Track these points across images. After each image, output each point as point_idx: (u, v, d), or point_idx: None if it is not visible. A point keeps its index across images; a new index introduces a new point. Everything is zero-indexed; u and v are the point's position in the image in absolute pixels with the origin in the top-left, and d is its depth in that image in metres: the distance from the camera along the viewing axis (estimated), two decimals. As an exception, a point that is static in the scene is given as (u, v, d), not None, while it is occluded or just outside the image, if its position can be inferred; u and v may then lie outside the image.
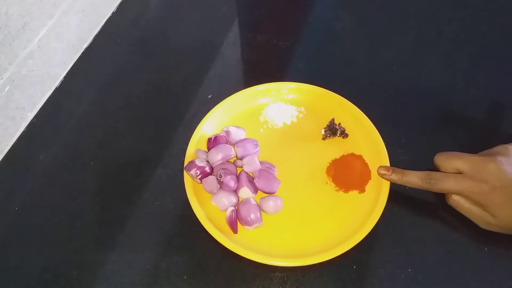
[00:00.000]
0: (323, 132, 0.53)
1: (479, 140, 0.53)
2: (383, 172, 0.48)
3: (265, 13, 0.70)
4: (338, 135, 0.52)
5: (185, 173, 0.49)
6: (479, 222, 0.45)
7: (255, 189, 0.47)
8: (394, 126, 0.54)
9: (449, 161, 0.46)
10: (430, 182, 0.45)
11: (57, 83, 0.62)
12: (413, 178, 0.46)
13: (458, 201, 0.45)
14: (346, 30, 0.66)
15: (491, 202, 0.43)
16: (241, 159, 0.49)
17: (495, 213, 0.43)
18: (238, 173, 0.49)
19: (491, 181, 0.42)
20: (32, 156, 0.55)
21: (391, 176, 0.47)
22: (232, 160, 0.50)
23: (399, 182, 0.47)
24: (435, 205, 0.48)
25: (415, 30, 0.65)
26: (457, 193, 0.45)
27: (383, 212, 0.45)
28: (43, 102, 0.60)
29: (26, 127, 0.58)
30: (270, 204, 0.46)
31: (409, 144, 0.52)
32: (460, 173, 0.45)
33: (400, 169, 0.47)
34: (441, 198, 0.48)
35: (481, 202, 0.43)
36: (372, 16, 0.68)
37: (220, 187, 0.47)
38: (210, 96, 0.59)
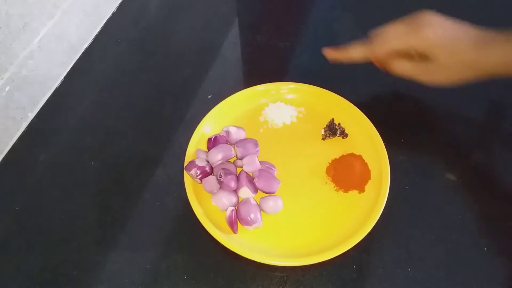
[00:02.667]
0: (322, 132, 0.53)
1: (479, 140, 0.53)
2: (330, 52, 0.51)
3: (265, 13, 0.70)
4: (337, 135, 0.52)
5: (185, 173, 0.49)
6: (425, 77, 0.48)
7: (255, 189, 0.48)
8: (394, 126, 0.54)
9: (384, 30, 0.49)
10: (375, 41, 0.48)
11: (57, 83, 0.62)
12: (358, 47, 0.50)
13: (402, 64, 0.49)
14: (346, 30, 0.66)
15: (432, 45, 0.45)
16: (241, 159, 0.49)
17: (438, 57, 0.45)
18: (238, 173, 0.49)
19: (425, 27, 0.45)
20: (33, 156, 0.55)
21: (338, 54, 0.51)
22: (232, 160, 0.50)
23: (347, 57, 0.51)
24: (435, 205, 0.48)
25: (415, 30, 0.65)
26: (402, 46, 0.47)
27: (382, 212, 0.45)
28: (44, 102, 0.60)
29: (26, 127, 0.58)
30: (270, 204, 0.46)
31: (408, 144, 0.53)
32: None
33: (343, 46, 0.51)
34: (440, 198, 0.48)
35: (425, 48, 0.46)
36: (372, 16, 0.68)
37: (220, 187, 0.47)
38: (210, 96, 0.59)
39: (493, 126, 0.55)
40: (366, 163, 0.50)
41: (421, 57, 0.47)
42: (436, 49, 0.46)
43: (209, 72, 0.62)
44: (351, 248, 0.43)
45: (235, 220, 0.45)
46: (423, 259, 0.44)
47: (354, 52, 0.50)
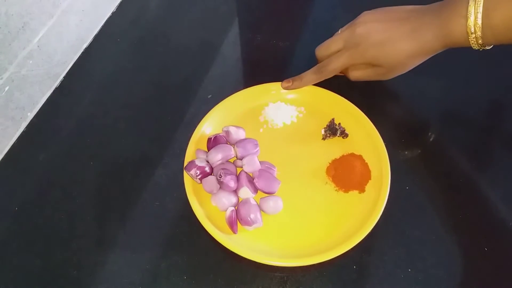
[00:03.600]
0: (323, 132, 0.52)
1: (479, 140, 0.53)
2: (287, 85, 0.55)
3: (265, 13, 0.70)
4: (338, 135, 0.52)
5: (185, 173, 0.49)
6: (380, 77, 0.53)
7: (255, 189, 0.47)
8: (394, 126, 0.54)
9: (327, 48, 0.54)
10: (322, 70, 0.53)
11: (57, 83, 0.62)
12: (310, 76, 0.54)
13: (355, 73, 0.53)
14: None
15: (372, 57, 0.50)
16: (241, 159, 0.49)
17: (380, 63, 0.50)
18: (238, 173, 0.49)
19: (361, 42, 0.50)
20: (32, 156, 0.55)
21: (294, 85, 0.54)
22: (232, 160, 0.50)
23: (302, 86, 0.55)
24: (435, 205, 0.48)
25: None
26: (346, 66, 0.52)
27: (383, 212, 0.45)
28: (43, 102, 0.60)
29: (26, 127, 0.57)
30: (270, 204, 0.46)
31: (409, 144, 0.52)
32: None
33: (297, 76, 0.55)
34: (441, 198, 0.48)
35: (367, 61, 0.51)
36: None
37: (220, 187, 0.47)
38: (210, 96, 0.58)
39: (493, 126, 0.54)
40: (367, 163, 0.50)
41: (369, 64, 0.52)
42: (378, 60, 0.50)
43: (209, 72, 0.62)
44: (352, 249, 0.43)
45: (235, 221, 0.45)
46: (424, 260, 0.44)
47: (307, 80, 0.54)
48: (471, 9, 0.43)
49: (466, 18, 0.43)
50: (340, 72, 0.54)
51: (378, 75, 0.53)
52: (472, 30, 0.43)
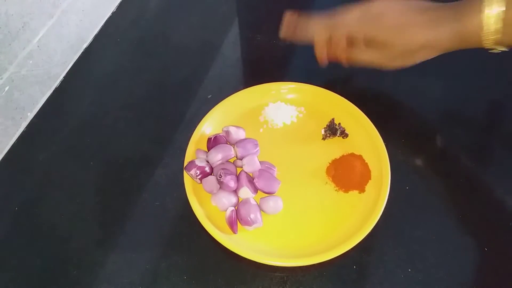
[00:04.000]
0: (323, 132, 0.53)
1: (479, 140, 0.53)
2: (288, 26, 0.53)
3: (265, 13, 0.70)
4: (338, 135, 0.52)
5: (185, 173, 0.49)
6: (384, 63, 0.50)
7: (255, 189, 0.47)
8: (394, 126, 0.54)
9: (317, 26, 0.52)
10: (333, 23, 0.51)
11: (57, 83, 0.62)
12: (318, 23, 0.52)
13: (360, 55, 0.50)
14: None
15: (386, 33, 0.47)
16: (241, 159, 0.49)
17: (393, 42, 0.47)
18: (238, 173, 0.49)
19: (377, 20, 0.48)
20: (32, 156, 0.55)
21: (294, 32, 0.53)
22: (232, 160, 0.50)
23: (304, 37, 0.52)
24: (435, 205, 0.48)
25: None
26: (353, 35, 0.49)
27: (383, 212, 0.45)
28: (43, 102, 0.60)
29: (26, 127, 0.57)
30: (270, 204, 0.46)
31: (408, 144, 0.52)
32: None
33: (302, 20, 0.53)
34: (441, 198, 0.48)
35: (379, 36, 0.48)
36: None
37: (220, 187, 0.47)
38: (210, 96, 0.58)
39: (493, 126, 0.54)
40: (367, 163, 0.50)
41: (375, 44, 0.49)
42: (392, 37, 0.48)
43: (209, 72, 0.62)
44: (352, 249, 0.43)
45: (235, 220, 0.45)
46: (424, 259, 0.44)
47: (314, 25, 0.52)
48: (488, 3, 0.42)
49: (482, 12, 0.43)
50: (337, 59, 0.52)
51: (384, 59, 0.50)
52: (487, 25, 0.43)
